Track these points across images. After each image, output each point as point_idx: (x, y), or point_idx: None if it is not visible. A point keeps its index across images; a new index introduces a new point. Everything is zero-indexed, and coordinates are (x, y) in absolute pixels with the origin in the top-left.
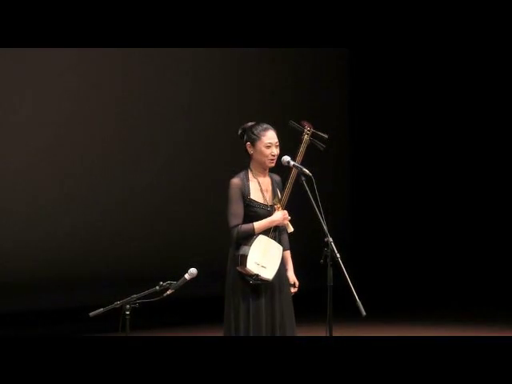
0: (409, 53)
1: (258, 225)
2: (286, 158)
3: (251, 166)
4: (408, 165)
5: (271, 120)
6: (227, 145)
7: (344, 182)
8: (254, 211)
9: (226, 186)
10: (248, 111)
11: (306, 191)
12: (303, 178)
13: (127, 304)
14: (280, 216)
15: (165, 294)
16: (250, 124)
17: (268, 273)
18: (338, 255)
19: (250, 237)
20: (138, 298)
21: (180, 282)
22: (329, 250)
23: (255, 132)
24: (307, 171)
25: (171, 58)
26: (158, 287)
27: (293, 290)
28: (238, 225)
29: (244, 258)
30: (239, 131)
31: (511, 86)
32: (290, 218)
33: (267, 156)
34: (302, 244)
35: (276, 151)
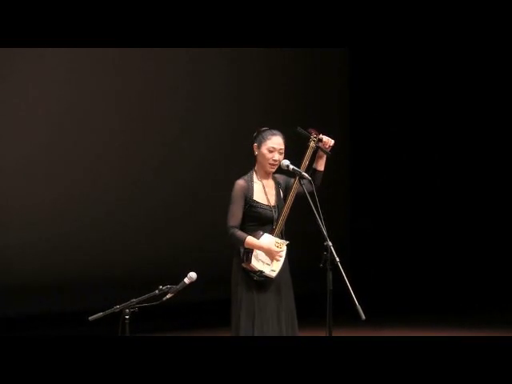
0: (409, 53)
1: (249, 240)
2: (286, 162)
3: (256, 168)
4: (409, 167)
5: (271, 120)
6: (227, 145)
7: (344, 183)
8: (257, 212)
9: (226, 186)
10: (248, 111)
11: (306, 195)
12: (302, 182)
13: (127, 308)
14: (272, 250)
15: (164, 298)
16: (263, 128)
17: (271, 270)
18: (338, 259)
19: (239, 244)
20: (138, 302)
21: (179, 286)
22: (328, 254)
23: (263, 135)
24: (306, 175)
25: (171, 57)
26: (157, 291)
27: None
28: (234, 226)
29: (249, 254)
30: (254, 133)
31: (511, 86)
32: (281, 258)
33: (268, 160)
34: (301, 248)
35: (278, 157)
